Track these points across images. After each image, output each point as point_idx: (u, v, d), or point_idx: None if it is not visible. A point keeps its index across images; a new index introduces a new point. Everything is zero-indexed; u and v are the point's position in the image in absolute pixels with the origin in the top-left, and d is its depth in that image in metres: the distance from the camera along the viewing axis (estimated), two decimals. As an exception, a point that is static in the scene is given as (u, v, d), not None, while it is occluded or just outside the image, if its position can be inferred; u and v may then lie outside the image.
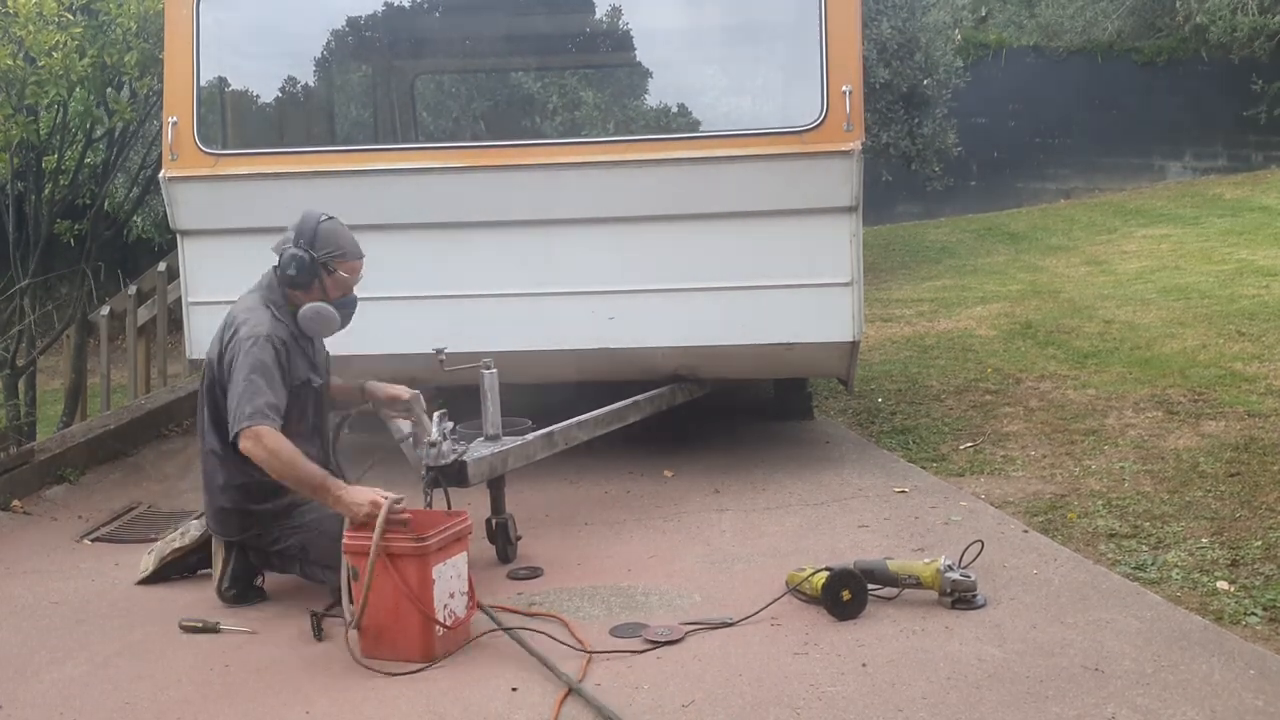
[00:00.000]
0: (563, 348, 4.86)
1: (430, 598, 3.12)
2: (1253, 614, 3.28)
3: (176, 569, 3.92)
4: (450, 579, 3.20)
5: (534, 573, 3.89)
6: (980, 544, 3.73)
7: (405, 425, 4.19)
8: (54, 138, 6.50)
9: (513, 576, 3.87)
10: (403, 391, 3.90)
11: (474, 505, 4.29)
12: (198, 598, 3.80)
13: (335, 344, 4.92)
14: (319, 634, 3.35)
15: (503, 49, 7.08)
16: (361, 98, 7.66)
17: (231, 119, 5.56)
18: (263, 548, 3.66)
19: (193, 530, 3.90)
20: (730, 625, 3.31)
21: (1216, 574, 3.60)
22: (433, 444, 3.82)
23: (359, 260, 3.82)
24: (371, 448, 4.99)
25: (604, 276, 4.80)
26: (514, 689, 2.94)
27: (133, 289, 7.23)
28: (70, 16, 5.79)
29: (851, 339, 4.79)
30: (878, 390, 6.68)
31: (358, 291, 4.91)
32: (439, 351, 4.26)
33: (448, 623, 3.18)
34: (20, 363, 6.62)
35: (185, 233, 4.91)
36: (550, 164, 4.76)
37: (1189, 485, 4.52)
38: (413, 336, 4.73)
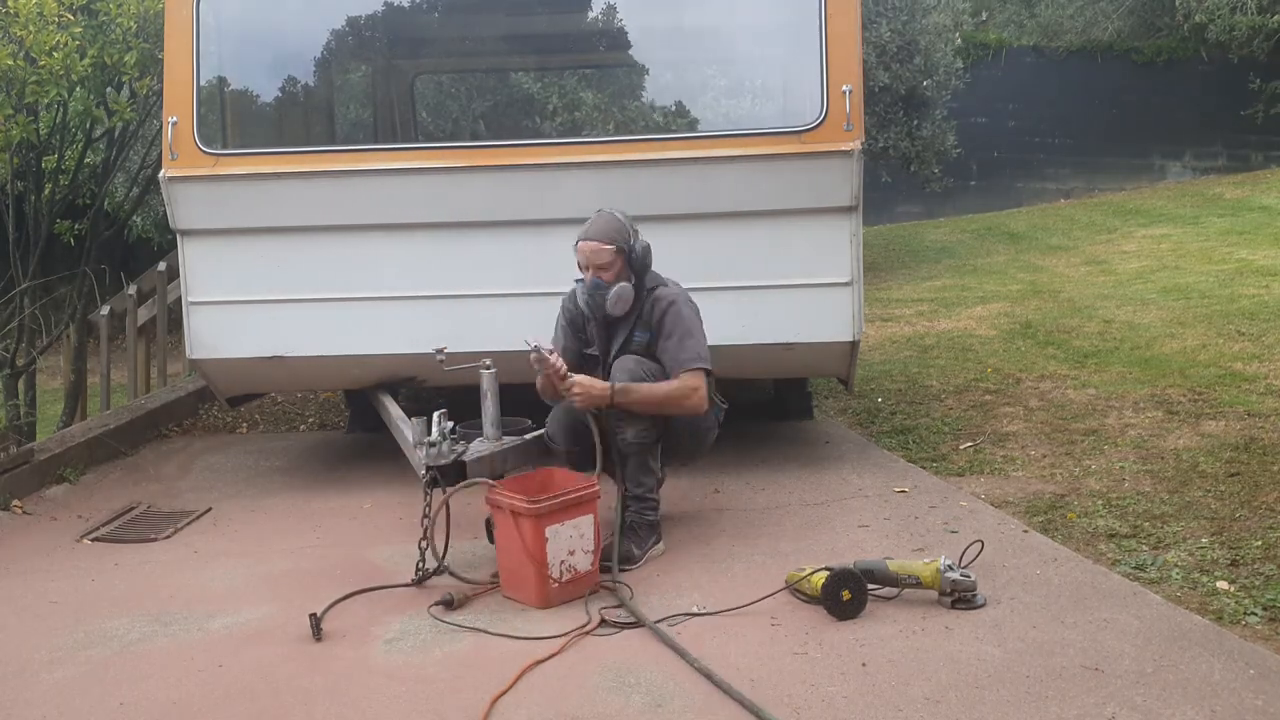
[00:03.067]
0: (563, 348, 4.86)
1: (543, 553, 3.51)
2: (1253, 614, 3.28)
3: None
4: (570, 538, 3.58)
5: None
6: (980, 544, 3.74)
7: (407, 428, 4.19)
8: (54, 138, 6.50)
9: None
10: None
11: (475, 504, 4.31)
12: (198, 596, 3.80)
13: (336, 345, 4.95)
14: (318, 634, 3.36)
15: (503, 49, 7.08)
16: (361, 97, 7.66)
17: (231, 119, 5.56)
18: None
19: None
20: (698, 615, 3.40)
21: (1216, 574, 3.60)
22: (432, 444, 3.82)
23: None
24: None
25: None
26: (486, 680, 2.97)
27: (133, 289, 7.23)
28: (70, 16, 5.79)
29: (851, 339, 4.79)
30: (878, 390, 6.68)
31: (359, 290, 4.94)
32: (439, 351, 4.26)
33: (563, 578, 3.56)
34: (20, 363, 6.62)
35: (185, 232, 4.91)
36: (550, 164, 4.76)
37: (1189, 485, 4.52)
38: (413, 336, 4.73)
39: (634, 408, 3.93)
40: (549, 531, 3.53)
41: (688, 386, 3.98)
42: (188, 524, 4.72)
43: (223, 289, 4.94)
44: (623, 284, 4.02)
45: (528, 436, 4.26)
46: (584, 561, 3.63)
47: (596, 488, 3.71)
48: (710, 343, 4.79)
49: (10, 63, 5.63)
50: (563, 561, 3.56)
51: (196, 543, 4.47)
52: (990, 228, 14.36)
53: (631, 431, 3.95)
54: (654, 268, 4.15)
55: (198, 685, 3.08)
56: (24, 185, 6.73)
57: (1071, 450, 5.15)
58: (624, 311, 4.07)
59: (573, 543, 3.59)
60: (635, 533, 4.00)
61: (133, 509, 4.98)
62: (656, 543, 4.05)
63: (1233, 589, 3.47)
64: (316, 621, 3.39)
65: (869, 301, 9.04)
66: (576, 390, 3.87)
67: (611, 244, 3.99)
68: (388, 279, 4.86)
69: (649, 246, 4.06)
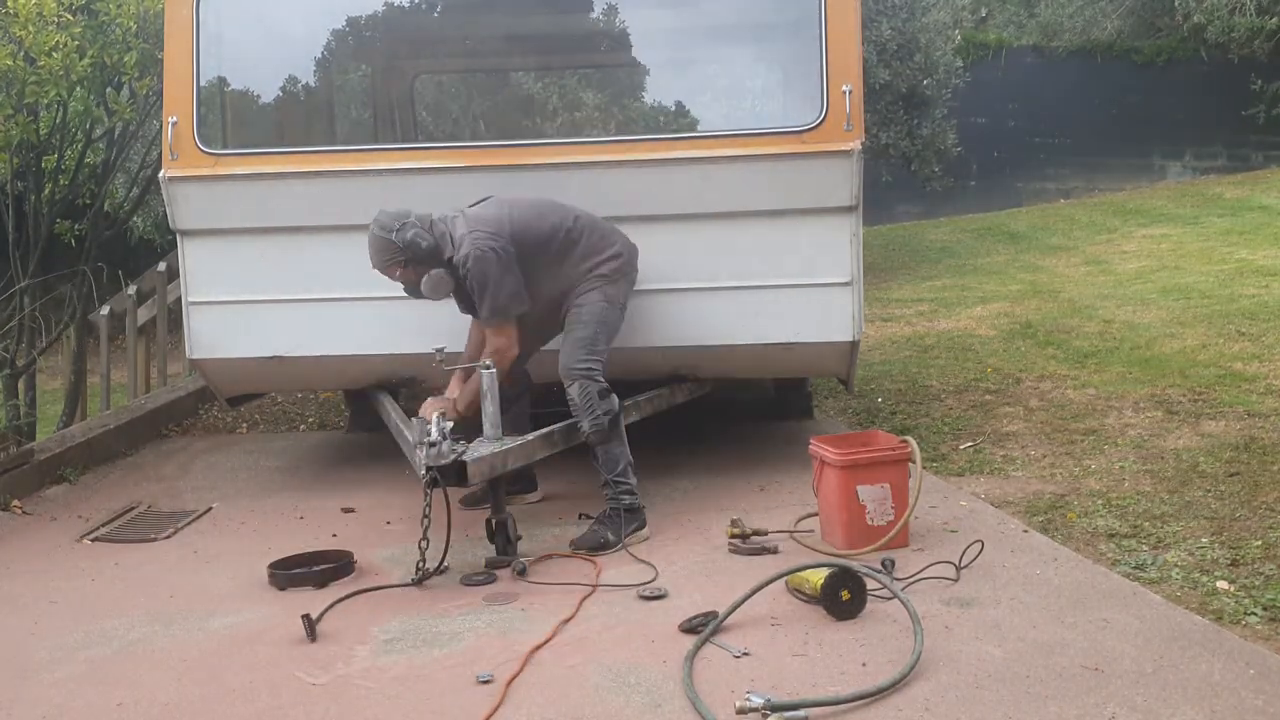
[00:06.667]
0: (562, 348, 4.86)
1: (851, 504, 3.91)
2: (1253, 614, 3.28)
3: None
4: (874, 493, 3.93)
5: (524, 570, 3.89)
6: (980, 544, 3.74)
7: (407, 428, 4.19)
8: (54, 137, 6.50)
9: (516, 571, 3.88)
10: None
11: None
12: (198, 596, 3.80)
13: (336, 345, 4.95)
14: (313, 635, 3.35)
15: (503, 49, 7.08)
16: (361, 98, 7.66)
17: (231, 119, 5.56)
18: None
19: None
20: (663, 598, 3.57)
21: (1216, 574, 3.60)
22: (432, 444, 3.82)
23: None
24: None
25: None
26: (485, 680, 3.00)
27: (133, 289, 7.23)
28: (70, 17, 5.78)
29: (851, 339, 4.79)
30: (878, 390, 6.68)
31: (359, 290, 4.93)
32: (439, 351, 4.27)
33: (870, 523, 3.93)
34: (20, 363, 6.62)
35: (185, 233, 4.91)
36: (550, 164, 4.76)
37: (1189, 485, 4.52)
38: (412, 336, 4.73)
39: (475, 401, 4.20)
40: (859, 486, 3.92)
41: (489, 349, 4.25)
42: (188, 524, 4.72)
43: (223, 289, 4.94)
44: (428, 275, 4.19)
45: (528, 436, 4.26)
46: (884, 517, 3.94)
47: (905, 450, 4.00)
48: (710, 343, 4.83)
49: (10, 63, 5.63)
50: (869, 513, 3.93)
51: (196, 543, 4.47)
52: (990, 228, 14.35)
53: (587, 421, 4.19)
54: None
55: (197, 685, 3.08)
56: (24, 185, 6.73)
57: (1071, 450, 5.15)
58: (449, 291, 4.25)
59: (878, 495, 3.95)
60: (612, 519, 4.17)
61: (133, 509, 4.98)
62: (639, 528, 4.22)
63: (1233, 589, 3.47)
64: (311, 623, 3.38)
65: (869, 301, 9.03)
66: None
67: (386, 263, 4.18)
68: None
69: (416, 235, 4.11)
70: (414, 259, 4.16)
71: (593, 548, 4.08)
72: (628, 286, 4.48)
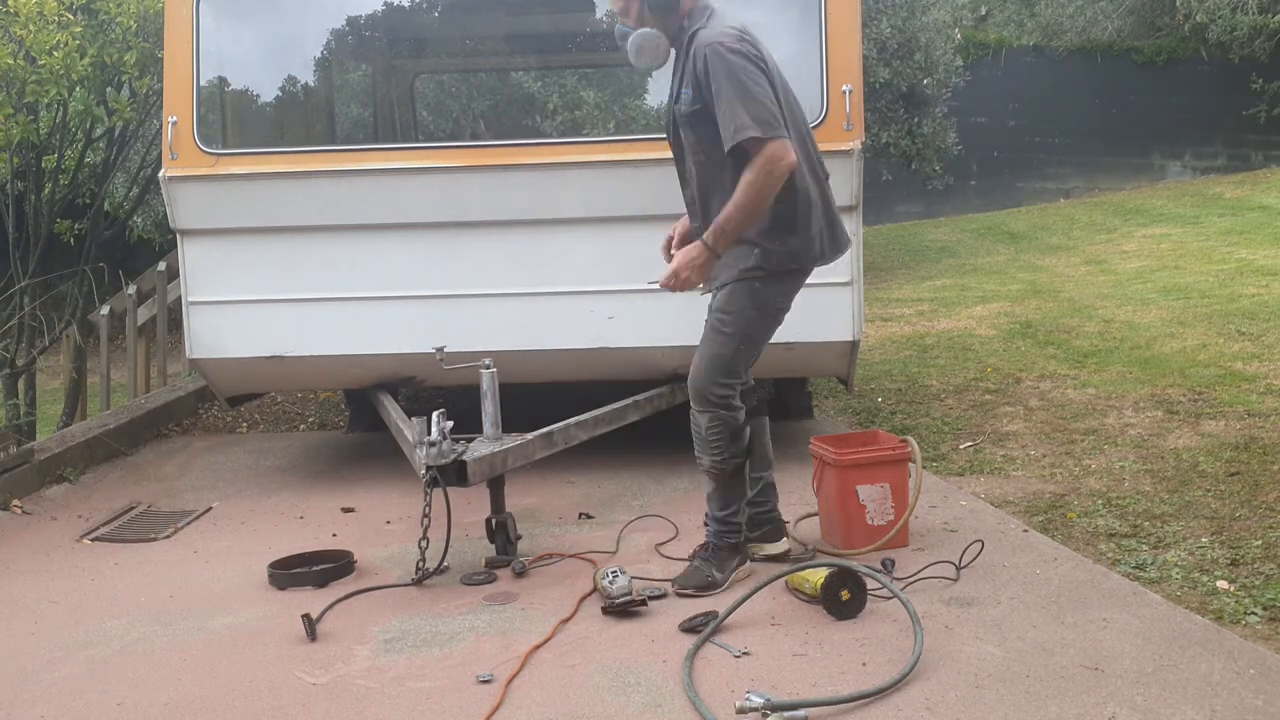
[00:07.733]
0: (563, 347, 4.86)
1: (850, 504, 3.90)
2: (1253, 613, 3.28)
3: None
4: (874, 493, 3.92)
5: (523, 570, 3.89)
6: (980, 544, 3.74)
7: (407, 428, 4.19)
8: (54, 137, 6.51)
9: (515, 571, 3.88)
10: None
11: (475, 504, 4.31)
12: (198, 596, 3.80)
13: (335, 345, 4.95)
14: (312, 635, 3.35)
15: (503, 49, 7.08)
16: (361, 97, 7.66)
17: (231, 119, 5.56)
18: None
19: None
20: (662, 597, 3.55)
21: (1216, 573, 3.60)
22: (432, 443, 3.82)
23: None
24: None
25: (604, 276, 4.80)
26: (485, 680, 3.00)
27: (133, 289, 7.24)
28: (70, 16, 5.79)
29: (851, 338, 4.79)
30: (878, 390, 6.68)
31: (359, 290, 4.93)
32: (439, 351, 4.27)
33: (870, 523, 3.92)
34: (20, 362, 6.62)
35: (185, 232, 4.91)
36: (550, 164, 4.76)
37: (1189, 485, 4.52)
38: (412, 336, 4.73)
39: (735, 236, 3.39)
40: (858, 486, 3.91)
41: (756, 171, 3.26)
42: (188, 524, 4.72)
43: (222, 289, 4.94)
44: (644, 29, 3.37)
45: (528, 436, 4.25)
46: (883, 517, 3.92)
47: (905, 451, 3.95)
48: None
49: (10, 62, 5.64)
50: (869, 513, 3.90)
51: (196, 543, 4.47)
52: (990, 227, 14.36)
53: (708, 459, 3.60)
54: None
55: (197, 685, 3.08)
56: (24, 185, 6.74)
57: (1071, 450, 5.15)
58: (654, 62, 3.42)
59: (876, 495, 3.92)
60: (716, 555, 3.67)
61: (133, 509, 4.98)
62: (741, 563, 3.70)
63: (1233, 589, 3.47)
64: (311, 623, 3.38)
65: (869, 301, 9.04)
66: (676, 280, 3.52)
67: None
68: (388, 279, 4.86)
69: None
70: (643, 3, 3.35)
71: (699, 587, 3.57)
72: (791, 285, 3.64)
